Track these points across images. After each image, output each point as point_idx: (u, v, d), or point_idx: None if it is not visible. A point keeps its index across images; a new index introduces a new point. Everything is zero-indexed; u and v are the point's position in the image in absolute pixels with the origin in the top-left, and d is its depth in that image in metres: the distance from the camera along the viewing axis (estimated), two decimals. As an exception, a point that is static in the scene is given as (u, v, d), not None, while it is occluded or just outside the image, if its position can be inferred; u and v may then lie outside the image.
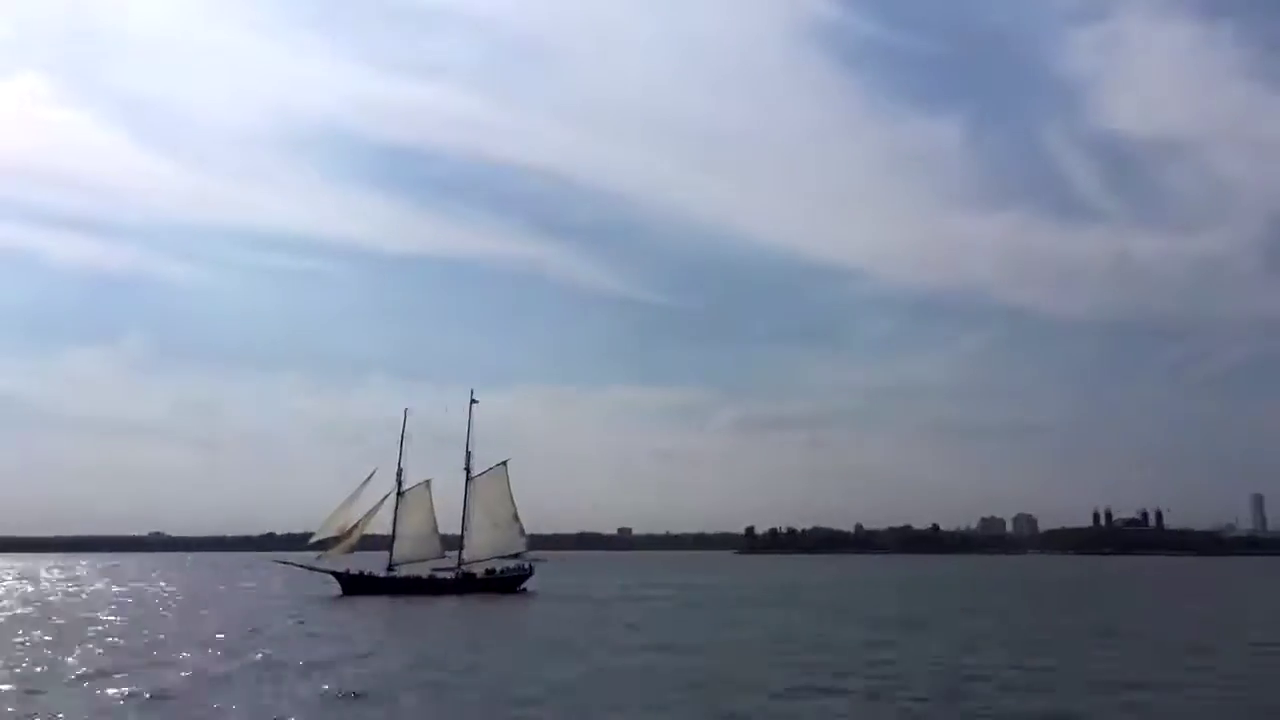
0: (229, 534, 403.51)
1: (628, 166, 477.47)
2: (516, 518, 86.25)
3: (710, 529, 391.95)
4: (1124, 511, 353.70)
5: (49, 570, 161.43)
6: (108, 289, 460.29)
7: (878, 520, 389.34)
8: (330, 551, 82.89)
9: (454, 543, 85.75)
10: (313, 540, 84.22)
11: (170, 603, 74.36)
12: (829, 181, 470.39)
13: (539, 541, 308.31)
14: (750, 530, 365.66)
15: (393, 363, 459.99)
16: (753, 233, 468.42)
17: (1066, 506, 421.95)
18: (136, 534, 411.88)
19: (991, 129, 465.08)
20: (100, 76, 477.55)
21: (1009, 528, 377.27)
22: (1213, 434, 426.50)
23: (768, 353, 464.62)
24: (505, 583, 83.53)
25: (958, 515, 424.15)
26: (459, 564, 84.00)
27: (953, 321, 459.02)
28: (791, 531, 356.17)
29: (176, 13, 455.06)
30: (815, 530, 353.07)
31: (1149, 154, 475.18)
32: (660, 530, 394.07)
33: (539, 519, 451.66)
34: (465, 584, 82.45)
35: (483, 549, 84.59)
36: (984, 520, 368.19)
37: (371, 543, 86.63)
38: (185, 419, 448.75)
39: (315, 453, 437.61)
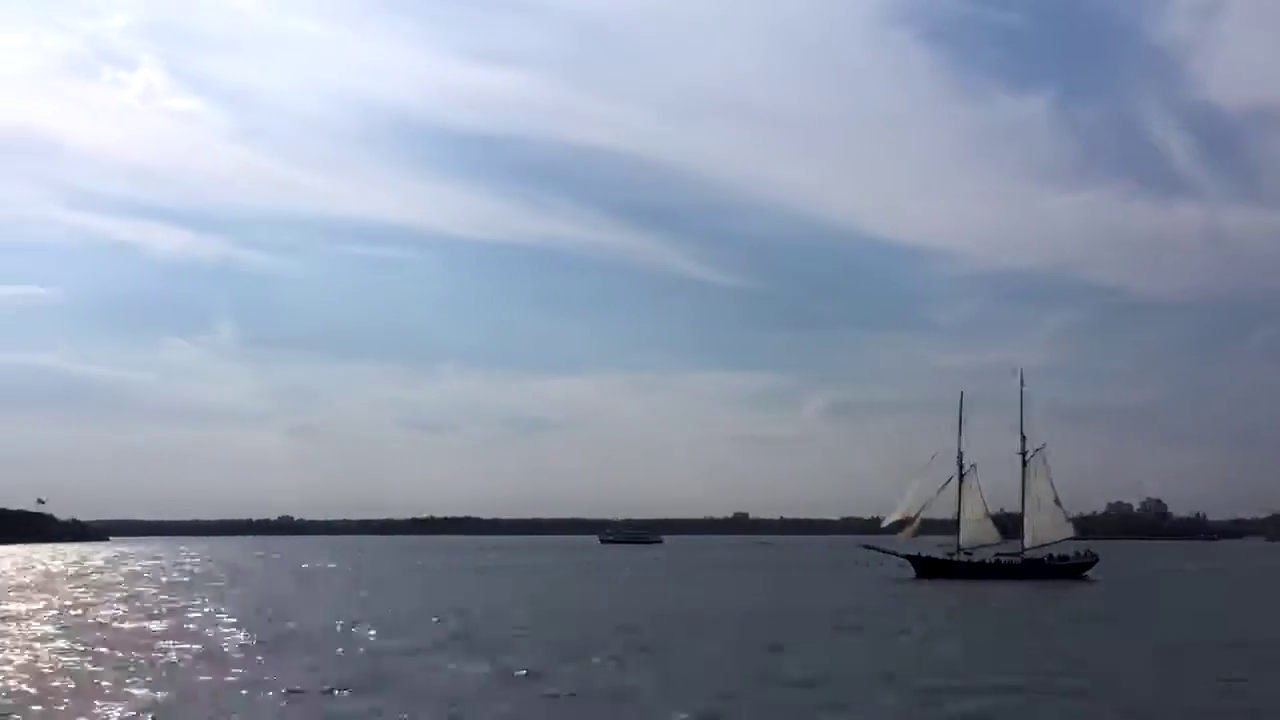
0: (335, 518, 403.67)
1: (710, 151, 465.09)
2: (1059, 502, 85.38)
3: (814, 514, 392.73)
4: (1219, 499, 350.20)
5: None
6: (199, 279, 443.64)
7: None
8: (899, 535, 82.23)
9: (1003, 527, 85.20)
10: (884, 523, 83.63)
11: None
12: (913, 162, 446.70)
13: (662, 526, 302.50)
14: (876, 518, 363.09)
15: (473, 350, 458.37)
16: (836, 216, 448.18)
17: (1178, 492, 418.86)
18: (246, 518, 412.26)
19: (1081, 102, 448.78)
20: (189, 69, 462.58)
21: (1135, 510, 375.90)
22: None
23: (851, 337, 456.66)
24: (1073, 569, 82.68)
25: (1075, 501, 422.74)
26: (1021, 549, 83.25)
27: (1039, 302, 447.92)
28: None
29: (255, 3, 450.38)
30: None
31: (1247, 125, 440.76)
32: (774, 515, 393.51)
33: (637, 503, 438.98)
34: (1033, 569, 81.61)
35: (1041, 534, 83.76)
36: (1111, 505, 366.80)
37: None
38: (276, 405, 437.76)
39: (405, 440, 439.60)
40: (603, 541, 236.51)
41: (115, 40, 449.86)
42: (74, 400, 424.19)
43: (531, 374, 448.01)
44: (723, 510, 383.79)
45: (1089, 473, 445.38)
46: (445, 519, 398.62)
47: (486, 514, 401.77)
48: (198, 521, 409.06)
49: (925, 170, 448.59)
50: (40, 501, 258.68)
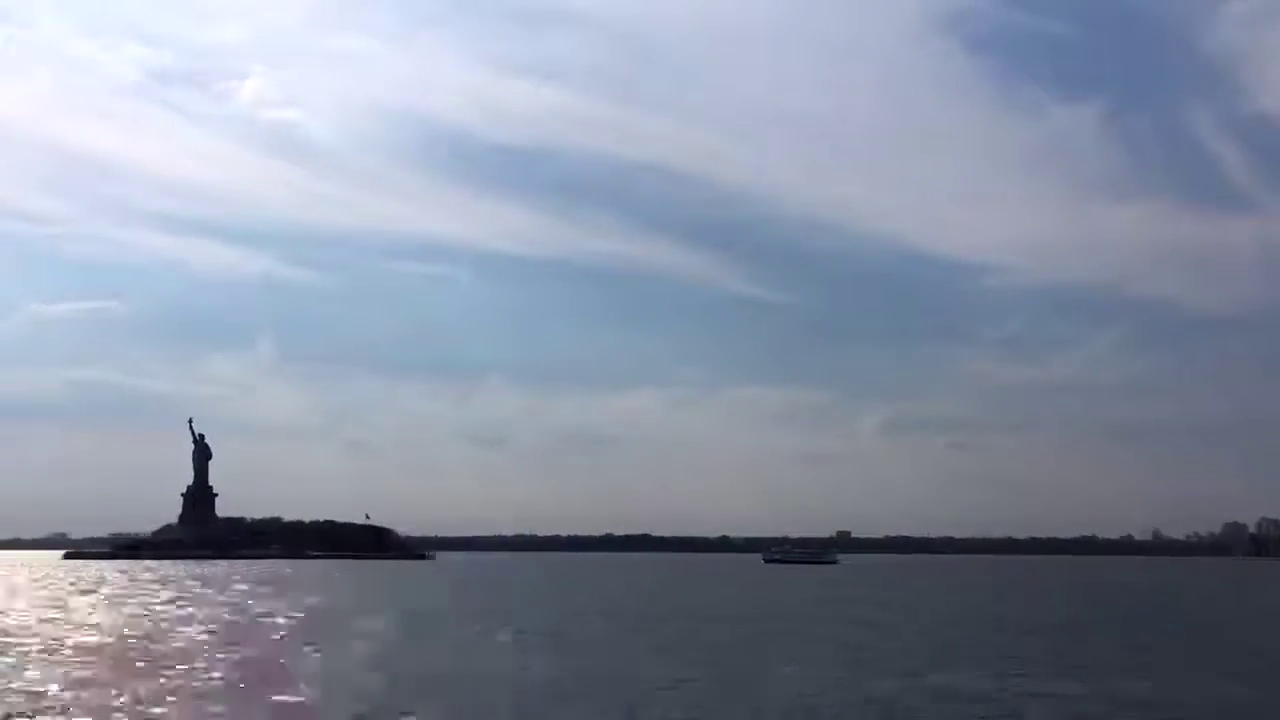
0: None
1: (751, 164, 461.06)
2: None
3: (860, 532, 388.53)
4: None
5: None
6: (242, 295, 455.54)
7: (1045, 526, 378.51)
8: None
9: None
10: None
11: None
12: (959, 174, 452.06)
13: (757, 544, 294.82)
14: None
15: (515, 366, 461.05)
16: (883, 230, 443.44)
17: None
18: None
19: (1131, 114, 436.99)
20: (228, 86, 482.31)
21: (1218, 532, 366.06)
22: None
23: (899, 353, 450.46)
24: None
25: (1125, 521, 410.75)
26: None
27: (1089, 318, 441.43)
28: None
29: (298, 20, 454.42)
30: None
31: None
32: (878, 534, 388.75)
33: (679, 520, 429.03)
34: None
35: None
36: (1228, 526, 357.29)
37: None
38: (319, 421, 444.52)
39: (452, 455, 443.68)
40: (767, 561, 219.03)
41: (166, 62, 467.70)
42: (127, 412, 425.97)
43: (578, 389, 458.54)
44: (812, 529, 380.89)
45: (1162, 492, 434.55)
46: (523, 536, 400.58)
47: (544, 530, 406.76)
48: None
49: (972, 183, 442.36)
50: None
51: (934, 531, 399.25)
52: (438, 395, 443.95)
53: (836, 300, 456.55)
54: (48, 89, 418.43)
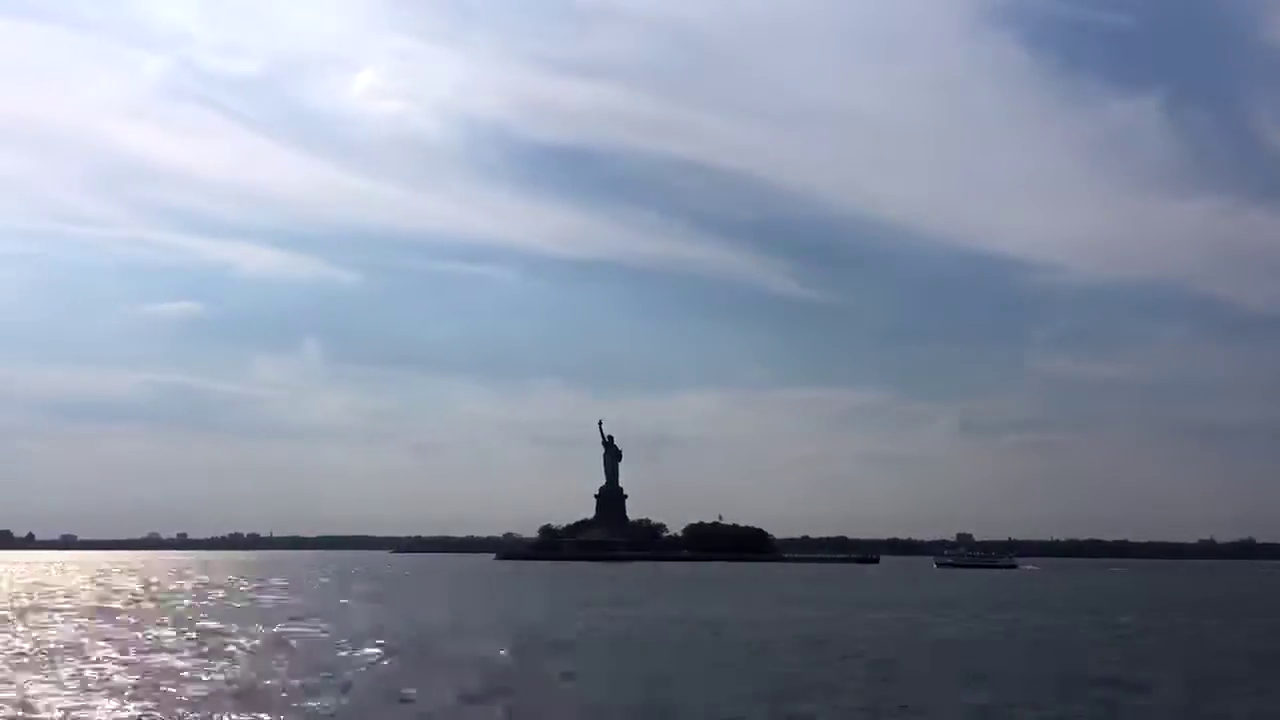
0: (425, 534, 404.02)
1: (803, 162, 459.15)
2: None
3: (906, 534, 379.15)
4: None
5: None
6: (290, 298, 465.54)
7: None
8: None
9: None
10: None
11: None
12: (1015, 171, 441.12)
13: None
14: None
15: (564, 367, 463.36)
16: (935, 227, 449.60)
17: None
18: (343, 534, 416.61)
19: (1192, 107, 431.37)
20: (277, 90, 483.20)
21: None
22: None
23: (954, 352, 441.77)
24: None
25: (1206, 524, 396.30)
26: None
27: (1148, 316, 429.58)
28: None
29: (347, 22, 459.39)
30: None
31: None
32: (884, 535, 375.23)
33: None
34: None
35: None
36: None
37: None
38: (367, 423, 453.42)
39: (505, 456, 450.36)
40: (939, 565, 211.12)
41: (214, 65, 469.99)
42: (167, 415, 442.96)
43: (628, 390, 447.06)
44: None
45: (1236, 493, 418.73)
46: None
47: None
48: (323, 536, 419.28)
49: (1028, 179, 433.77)
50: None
51: (1000, 534, 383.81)
52: (486, 397, 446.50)
53: (892, 299, 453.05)
54: (96, 92, 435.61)
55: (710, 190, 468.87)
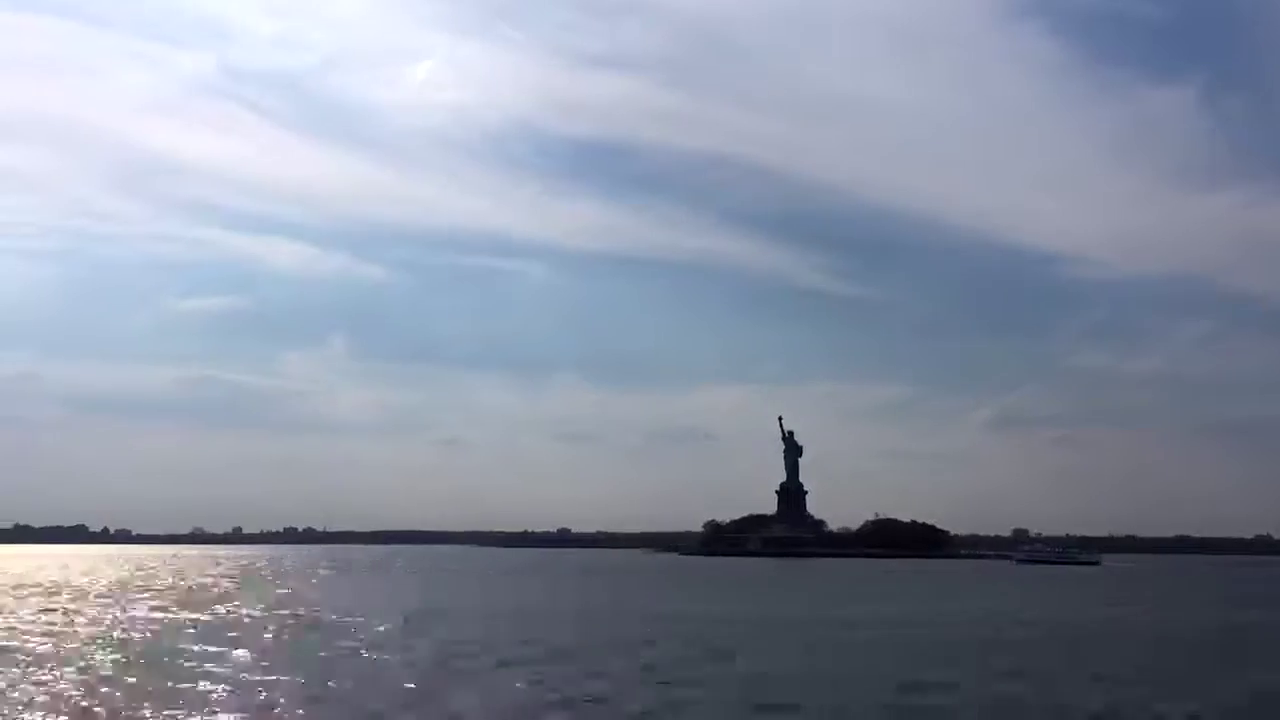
0: (456, 529, 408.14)
1: (830, 155, 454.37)
2: None
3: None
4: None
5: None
6: (318, 293, 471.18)
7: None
8: None
9: None
10: None
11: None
12: (1043, 163, 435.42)
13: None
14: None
15: (587, 362, 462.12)
16: (963, 220, 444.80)
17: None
18: (359, 529, 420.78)
19: (1227, 96, 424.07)
20: (302, 85, 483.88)
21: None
22: None
23: (982, 346, 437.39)
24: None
25: (1254, 520, 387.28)
26: None
27: (1175, 310, 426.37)
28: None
29: (372, 18, 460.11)
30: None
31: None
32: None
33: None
34: None
35: None
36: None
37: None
38: (394, 418, 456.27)
39: (534, 450, 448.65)
40: (1018, 562, 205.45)
41: (238, 61, 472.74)
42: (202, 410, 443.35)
43: (655, 385, 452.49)
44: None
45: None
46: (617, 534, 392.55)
47: (621, 528, 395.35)
48: (352, 532, 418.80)
49: (1058, 171, 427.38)
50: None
51: (1048, 530, 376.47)
52: (513, 392, 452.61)
53: (920, 293, 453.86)
54: (122, 89, 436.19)
55: (738, 184, 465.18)
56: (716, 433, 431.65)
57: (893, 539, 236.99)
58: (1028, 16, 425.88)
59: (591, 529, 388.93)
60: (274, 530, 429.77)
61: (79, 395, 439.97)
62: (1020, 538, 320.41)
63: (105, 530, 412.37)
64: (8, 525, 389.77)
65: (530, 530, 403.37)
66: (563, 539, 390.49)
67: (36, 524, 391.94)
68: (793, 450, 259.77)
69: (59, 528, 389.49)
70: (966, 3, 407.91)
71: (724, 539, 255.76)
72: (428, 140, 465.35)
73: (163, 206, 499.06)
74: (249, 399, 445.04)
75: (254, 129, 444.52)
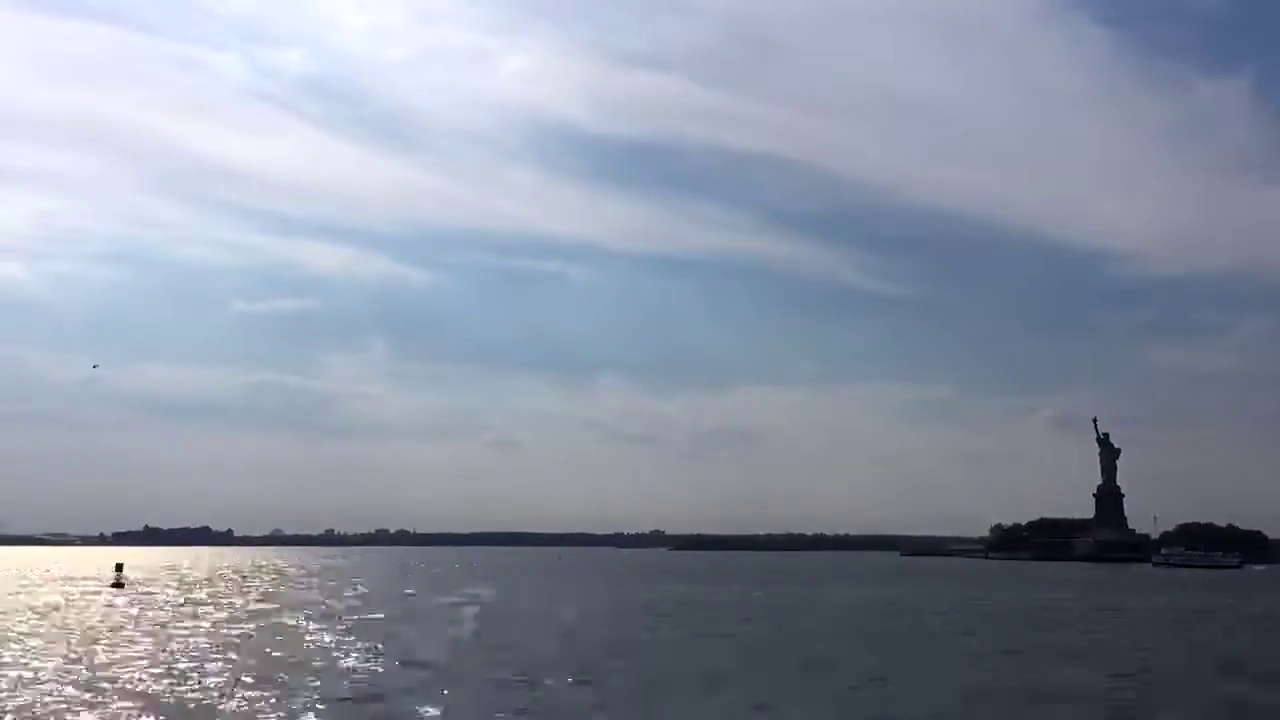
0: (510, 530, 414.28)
1: (873, 152, 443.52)
2: None
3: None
4: None
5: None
6: (360, 295, 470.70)
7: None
8: None
9: None
10: None
11: None
12: (1093, 157, 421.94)
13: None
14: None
15: (632, 364, 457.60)
16: (1010, 216, 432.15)
17: None
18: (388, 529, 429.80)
19: None
20: (341, 87, 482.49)
21: None
22: None
23: (1031, 345, 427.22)
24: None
25: None
26: None
27: (1232, 306, 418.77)
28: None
29: (408, 18, 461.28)
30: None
31: None
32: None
33: (825, 520, 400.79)
34: None
35: None
36: None
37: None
38: (436, 420, 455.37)
39: (580, 452, 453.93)
40: (1155, 565, 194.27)
41: (276, 64, 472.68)
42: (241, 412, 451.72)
43: (699, 386, 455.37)
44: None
45: None
46: (676, 535, 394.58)
47: (675, 529, 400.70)
48: (405, 533, 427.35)
49: (1109, 166, 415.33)
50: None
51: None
52: (559, 393, 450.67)
53: (960, 292, 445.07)
54: (164, 92, 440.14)
55: (779, 182, 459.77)
56: (761, 435, 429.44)
57: (1213, 544, 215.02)
58: (1076, 8, 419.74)
59: (687, 530, 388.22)
60: (366, 532, 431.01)
61: (140, 397, 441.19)
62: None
63: (229, 532, 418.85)
64: (138, 528, 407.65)
65: (624, 532, 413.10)
66: (656, 539, 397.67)
67: (164, 526, 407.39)
68: (1109, 453, 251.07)
69: (186, 529, 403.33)
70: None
71: (1016, 542, 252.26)
72: (471, 142, 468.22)
73: (205, 210, 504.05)
74: (300, 402, 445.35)
75: (297, 133, 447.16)
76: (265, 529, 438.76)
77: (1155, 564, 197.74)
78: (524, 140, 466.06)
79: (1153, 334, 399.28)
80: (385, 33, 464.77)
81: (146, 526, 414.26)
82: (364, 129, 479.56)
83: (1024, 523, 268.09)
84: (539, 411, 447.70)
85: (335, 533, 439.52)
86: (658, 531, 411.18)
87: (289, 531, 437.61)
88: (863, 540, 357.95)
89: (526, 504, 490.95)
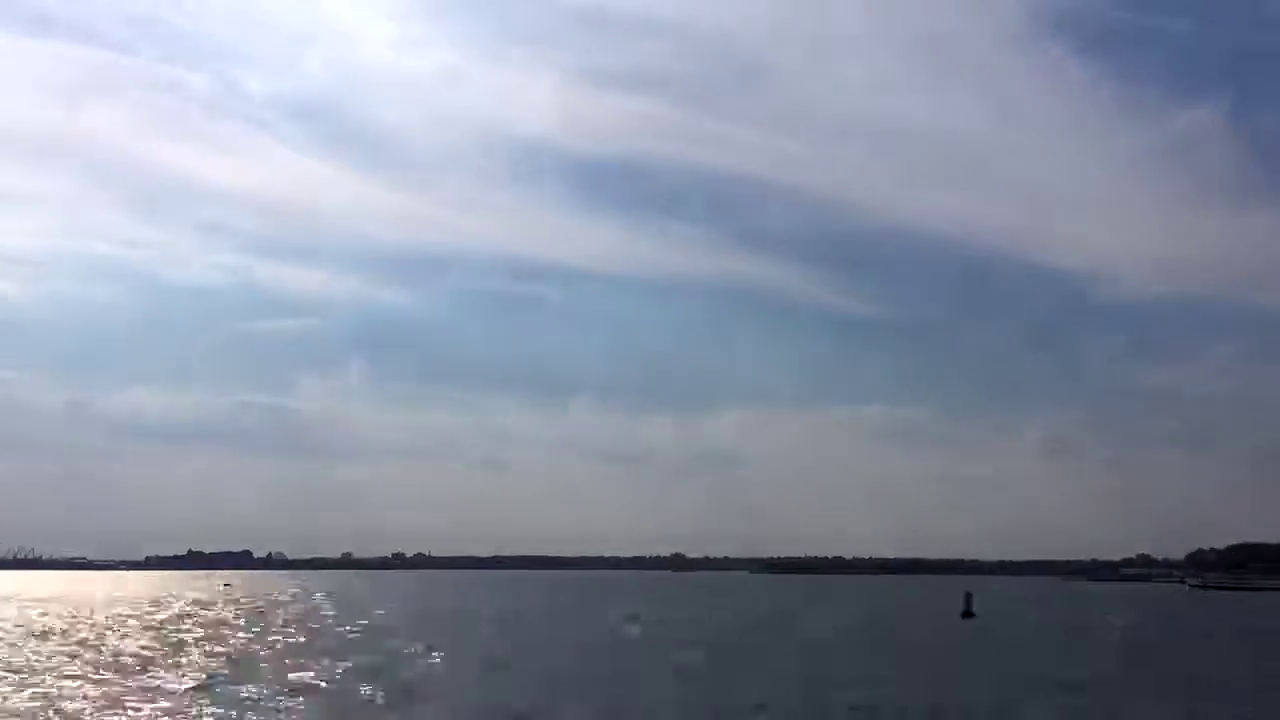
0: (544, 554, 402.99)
1: (848, 175, 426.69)
2: None
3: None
4: None
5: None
6: (332, 317, 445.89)
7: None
8: None
9: None
10: None
11: None
12: (1070, 180, 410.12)
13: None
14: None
15: (607, 385, 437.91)
16: (986, 240, 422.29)
17: None
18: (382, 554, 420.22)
19: (1256, 112, 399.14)
20: (320, 109, 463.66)
21: None
22: None
23: (1007, 367, 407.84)
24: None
25: None
26: None
27: (1205, 329, 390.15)
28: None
29: (384, 38, 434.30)
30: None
31: None
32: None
33: (805, 541, 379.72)
34: None
35: None
36: None
37: None
38: (415, 442, 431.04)
39: (564, 475, 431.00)
40: (1192, 588, 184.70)
41: (252, 82, 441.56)
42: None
43: (677, 408, 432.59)
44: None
45: None
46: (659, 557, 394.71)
47: (666, 550, 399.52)
48: (469, 556, 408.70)
49: (1083, 188, 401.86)
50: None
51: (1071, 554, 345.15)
52: (538, 414, 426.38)
53: (935, 314, 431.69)
54: (138, 112, 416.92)
55: (759, 204, 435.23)
56: (739, 458, 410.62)
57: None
58: (1052, 35, 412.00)
59: (700, 553, 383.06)
60: (384, 555, 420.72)
61: (122, 421, 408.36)
62: (1143, 561, 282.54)
63: (269, 556, 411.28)
64: (181, 551, 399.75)
65: (642, 555, 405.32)
66: (676, 563, 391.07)
67: (207, 549, 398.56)
68: None
69: (228, 553, 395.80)
70: (989, 21, 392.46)
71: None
72: (448, 164, 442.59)
73: (188, 231, 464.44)
74: (278, 424, 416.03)
75: (274, 153, 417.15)
76: (262, 551, 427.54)
77: (1191, 587, 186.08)
78: (502, 162, 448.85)
79: (1136, 358, 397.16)
80: (362, 53, 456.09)
81: (190, 550, 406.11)
82: (341, 149, 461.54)
83: None
84: (520, 433, 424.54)
85: (351, 556, 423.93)
86: (709, 556, 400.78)
87: (290, 556, 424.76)
88: (860, 564, 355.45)
89: (528, 526, 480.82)
